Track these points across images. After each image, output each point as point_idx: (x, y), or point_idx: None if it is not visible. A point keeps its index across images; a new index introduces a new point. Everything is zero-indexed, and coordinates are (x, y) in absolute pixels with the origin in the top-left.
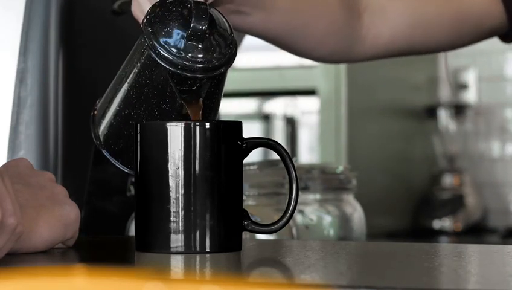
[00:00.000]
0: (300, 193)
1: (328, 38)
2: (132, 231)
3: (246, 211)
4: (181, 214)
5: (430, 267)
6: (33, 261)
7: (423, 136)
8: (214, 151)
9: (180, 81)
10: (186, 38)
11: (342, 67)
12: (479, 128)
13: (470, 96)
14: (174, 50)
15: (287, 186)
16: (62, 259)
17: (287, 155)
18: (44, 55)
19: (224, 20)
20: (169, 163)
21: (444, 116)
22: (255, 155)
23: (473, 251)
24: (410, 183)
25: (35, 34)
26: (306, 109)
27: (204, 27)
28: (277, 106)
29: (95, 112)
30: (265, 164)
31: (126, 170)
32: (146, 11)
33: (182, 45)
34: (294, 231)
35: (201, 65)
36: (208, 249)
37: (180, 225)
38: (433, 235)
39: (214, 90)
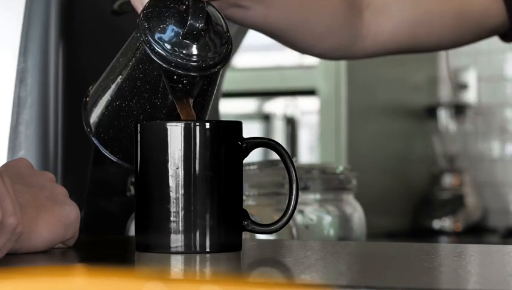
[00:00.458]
0: (300, 193)
1: (329, 34)
2: (132, 231)
3: (246, 211)
4: (181, 214)
5: (430, 267)
6: (33, 261)
7: (423, 136)
8: (214, 151)
9: (173, 78)
10: (181, 35)
11: (342, 67)
12: (479, 128)
13: (470, 96)
14: (169, 47)
15: (287, 186)
16: (62, 259)
17: (287, 155)
18: (44, 55)
19: (221, 18)
20: (169, 163)
21: (444, 116)
22: (255, 155)
23: (473, 251)
24: (410, 183)
25: (35, 34)
26: (306, 109)
27: (200, 26)
28: (277, 106)
29: (87, 99)
30: (265, 164)
31: (115, 159)
32: (144, 4)
33: (177, 42)
34: (294, 231)
35: (195, 63)
36: (207, 249)
37: (180, 225)
38: (433, 235)
39: (207, 88)
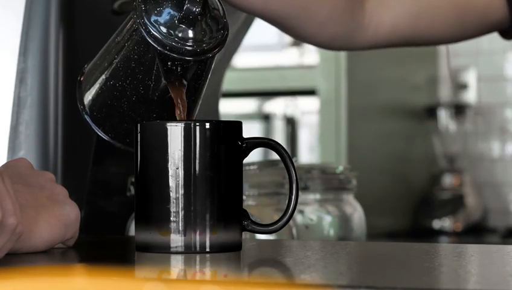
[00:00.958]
0: (300, 193)
1: (330, 23)
2: (132, 231)
3: (246, 211)
4: (181, 214)
5: (430, 267)
6: (33, 261)
7: (423, 136)
8: (214, 151)
9: (167, 61)
10: (178, 19)
11: (342, 67)
12: (479, 128)
13: (470, 96)
14: (164, 30)
15: (287, 186)
16: (62, 259)
17: (287, 155)
18: (44, 55)
19: (219, 3)
20: (169, 163)
21: (444, 116)
22: (255, 155)
23: (473, 251)
24: (410, 183)
25: (35, 34)
26: (306, 109)
27: (197, 10)
28: (277, 106)
29: (82, 77)
30: (265, 164)
31: (106, 138)
32: None
33: (173, 26)
34: (294, 231)
35: (190, 48)
36: (207, 249)
37: (180, 225)
38: (433, 235)
39: (201, 73)
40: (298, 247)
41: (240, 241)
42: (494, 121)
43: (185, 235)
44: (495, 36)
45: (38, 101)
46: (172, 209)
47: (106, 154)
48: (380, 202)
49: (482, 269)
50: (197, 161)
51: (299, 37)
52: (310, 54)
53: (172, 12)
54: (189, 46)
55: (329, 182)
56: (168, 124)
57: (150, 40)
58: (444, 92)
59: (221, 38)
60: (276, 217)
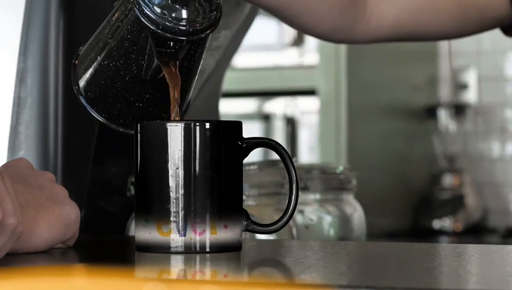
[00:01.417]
0: (300, 193)
1: (331, 14)
2: (132, 231)
3: (246, 211)
4: (181, 214)
5: (430, 267)
6: (33, 261)
7: (423, 136)
8: (214, 151)
9: (160, 41)
10: None
11: (342, 67)
12: (479, 128)
13: (470, 96)
14: (158, 9)
15: (287, 186)
16: (62, 259)
17: (287, 155)
18: (44, 55)
19: None
20: (169, 163)
21: (444, 116)
22: (255, 155)
23: (473, 251)
24: (410, 183)
25: (35, 34)
26: (306, 109)
27: None
28: (277, 106)
29: (77, 58)
30: (265, 164)
31: (100, 118)
32: None
33: (167, 6)
34: (294, 231)
35: (183, 28)
36: (207, 249)
37: (180, 225)
38: (433, 235)
39: (194, 54)
40: (298, 247)
41: (240, 241)
42: (494, 121)
43: (185, 235)
44: (495, 36)
45: (38, 101)
46: (172, 209)
47: (106, 154)
48: (380, 202)
49: (482, 269)
50: (197, 161)
51: (300, 27)
52: (310, 54)
53: None
54: (182, 26)
55: (329, 182)
56: (168, 124)
57: (143, 20)
58: (444, 92)
59: (214, 19)
60: (276, 217)
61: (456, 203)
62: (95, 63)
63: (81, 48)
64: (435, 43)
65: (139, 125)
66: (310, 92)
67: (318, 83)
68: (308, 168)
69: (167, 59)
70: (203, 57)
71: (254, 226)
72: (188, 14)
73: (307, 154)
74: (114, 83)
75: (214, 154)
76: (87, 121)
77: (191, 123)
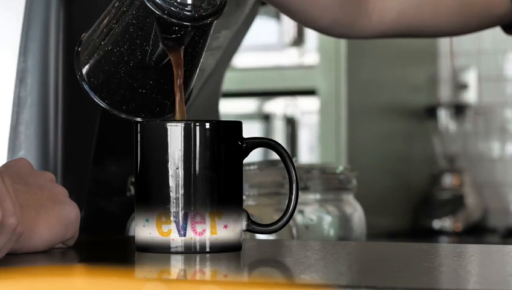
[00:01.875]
0: (300, 193)
1: (333, 7)
2: (132, 231)
3: (246, 211)
4: (181, 214)
5: (430, 267)
6: (33, 261)
7: (423, 136)
8: (214, 151)
9: (165, 26)
10: None
11: (342, 67)
12: (479, 128)
13: (470, 96)
14: None
15: (287, 186)
16: (62, 259)
17: (287, 155)
18: (44, 55)
19: None
20: (169, 163)
21: (444, 116)
22: (255, 155)
23: (473, 251)
24: (410, 183)
25: (35, 34)
26: (306, 109)
27: None
28: (277, 106)
29: (80, 44)
30: (265, 164)
31: (103, 104)
32: None
33: None
34: (294, 231)
35: (188, 13)
36: (207, 249)
37: (180, 225)
38: (433, 235)
39: (198, 40)
40: (298, 247)
41: (240, 241)
42: (494, 121)
43: (185, 235)
44: (496, 36)
45: (38, 101)
46: (172, 209)
47: (106, 154)
48: (380, 202)
49: (482, 269)
50: (197, 161)
51: (301, 20)
52: (310, 54)
53: None
54: (187, 11)
55: (329, 182)
56: (168, 124)
57: (148, 5)
58: (444, 92)
59: (219, 5)
60: (276, 217)
61: (456, 203)
62: (98, 49)
63: (84, 34)
64: (435, 43)
65: (139, 125)
66: (310, 92)
67: (318, 83)
68: (308, 168)
69: (172, 44)
70: (207, 44)
71: (254, 226)
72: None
73: (307, 154)
74: (118, 69)
75: (214, 154)
76: (88, 121)
77: (191, 123)
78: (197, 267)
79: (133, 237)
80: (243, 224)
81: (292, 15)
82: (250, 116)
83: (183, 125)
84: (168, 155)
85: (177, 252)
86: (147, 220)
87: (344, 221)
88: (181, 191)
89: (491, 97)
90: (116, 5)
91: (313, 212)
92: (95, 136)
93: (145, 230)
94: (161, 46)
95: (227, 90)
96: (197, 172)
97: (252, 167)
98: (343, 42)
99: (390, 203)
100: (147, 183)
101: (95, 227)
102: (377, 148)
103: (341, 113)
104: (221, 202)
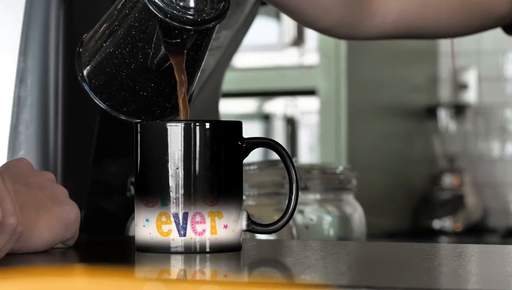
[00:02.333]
0: (300, 193)
1: (336, 7)
2: (132, 231)
3: (246, 211)
4: (181, 214)
5: (430, 267)
6: (33, 261)
7: (423, 136)
8: (214, 151)
9: (167, 29)
10: None
11: (342, 67)
12: (479, 128)
13: (470, 96)
14: None
15: (287, 186)
16: (62, 259)
17: (287, 155)
18: (44, 55)
19: None
20: (169, 163)
21: (444, 116)
22: (255, 155)
23: (473, 251)
24: (410, 183)
25: (35, 34)
26: (306, 109)
27: None
28: (277, 106)
29: (82, 45)
30: (265, 164)
31: (103, 106)
32: None
33: None
34: (294, 231)
35: (191, 17)
36: (207, 250)
37: (180, 225)
38: (433, 235)
39: (200, 44)
40: (298, 247)
41: (240, 241)
42: (494, 121)
43: (185, 236)
44: (496, 36)
45: (38, 101)
46: (172, 209)
47: (106, 154)
48: (380, 202)
49: (482, 269)
50: (197, 161)
51: (303, 21)
52: (310, 54)
53: None
54: (190, 15)
55: (329, 182)
56: (168, 124)
57: (151, 8)
58: (444, 92)
59: (222, 9)
60: (276, 217)
61: (456, 203)
62: (100, 51)
63: (85, 35)
64: (436, 43)
65: (139, 125)
66: (310, 92)
67: (318, 83)
68: (308, 168)
69: (174, 48)
70: (209, 47)
71: (254, 226)
72: (196, 3)
73: (307, 154)
74: (119, 71)
75: (214, 154)
76: (88, 121)
77: (191, 123)
78: (197, 267)
79: (133, 237)
80: (243, 224)
81: (294, 15)
82: (250, 116)
83: (183, 125)
84: (168, 155)
85: (177, 252)
86: (147, 220)
87: (344, 221)
88: (181, 191)
89: (491, 97)
90: (118, 7)
91: (313, 212)
92: (95, 136)
93: (145, 230)
94: (163, 49)
95: (227, 90)
96: (197, 172)
97: (252, 167)
98: (343, 42)
99: (390, 204)
100: (147, 184)
101: (95, 227)
102: (377, 148)
103: (341, 113)
104: (221, 202)
